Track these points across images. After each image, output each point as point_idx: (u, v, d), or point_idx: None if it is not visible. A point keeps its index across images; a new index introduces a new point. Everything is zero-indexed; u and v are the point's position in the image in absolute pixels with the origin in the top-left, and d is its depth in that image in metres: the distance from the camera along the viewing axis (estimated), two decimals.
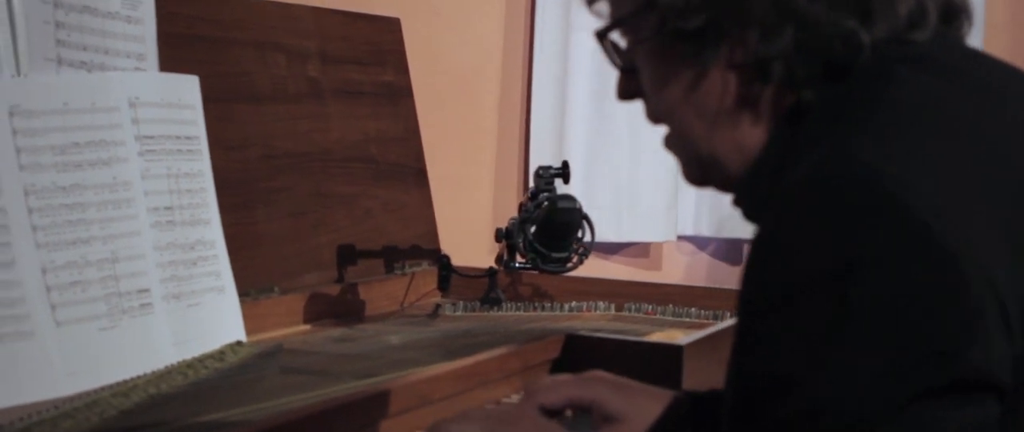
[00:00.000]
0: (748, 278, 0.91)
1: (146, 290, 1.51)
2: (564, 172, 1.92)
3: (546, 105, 2.82)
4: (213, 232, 1.63)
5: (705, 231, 3.13)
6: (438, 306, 1.99)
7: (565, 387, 1.24)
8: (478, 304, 1.99)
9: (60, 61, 1.49)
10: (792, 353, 0.87)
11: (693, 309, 1.98)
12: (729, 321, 1.86)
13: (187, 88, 1.64)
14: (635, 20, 1.02)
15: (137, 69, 1.58)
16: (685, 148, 1.06)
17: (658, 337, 1.78)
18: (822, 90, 0.96)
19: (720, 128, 1.01)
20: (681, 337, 1.69)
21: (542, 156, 2.76)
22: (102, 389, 1.40)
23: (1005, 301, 0.84)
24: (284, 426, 1.23)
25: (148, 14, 1.61)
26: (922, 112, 0.92)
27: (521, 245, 1.89)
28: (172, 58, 1.65)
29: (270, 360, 1.56)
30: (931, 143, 0.89)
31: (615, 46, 1.08)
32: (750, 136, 1.01)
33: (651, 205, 2.95)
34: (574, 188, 1.94)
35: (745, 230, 3.20)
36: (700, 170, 1.07)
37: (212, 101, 1.68)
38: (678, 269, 3.17)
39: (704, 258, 3.23)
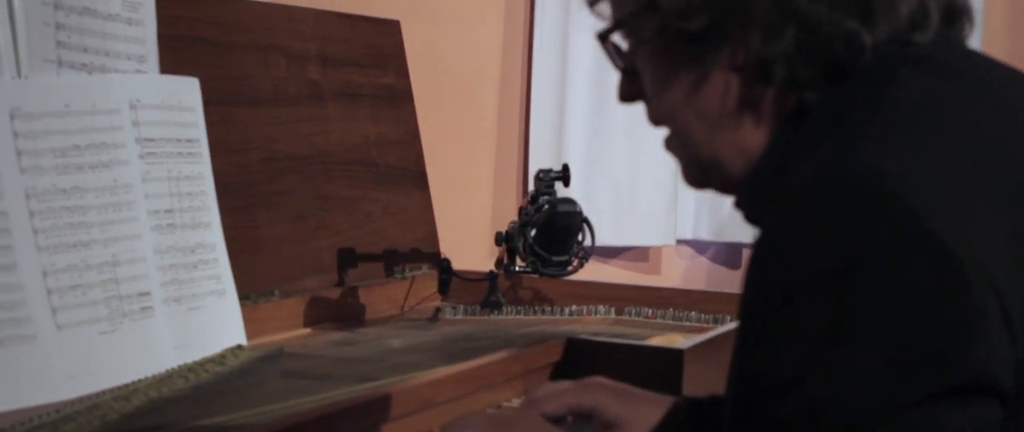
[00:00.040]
0: (750, 279, 0.91)
1: (147, 293, 1.51)
2: (564, 175, 1.92)
3: (545, 108, 2.82)
4: (214, 235, 1.63)
5: (704, 235, 3.13)
6: (438, 310, 1.99)
7: (566, 395, 1.24)
8: (478, 308, 1.98)
9: (61, 63, 1.49)
10: (792, 353, 0.87)
11: (693, 313, 1.98)
12: (729, 325, 1.86)
13: (188, 90, 1.64)
14: (637, 22, 1.02)
15: (138, 71, 1.58)
16: (686, 150, 1.06)
17: (658, 341, 1.78)
18: (824, 91, 0.96)
19: (721, 130, 1.01)
20: (682, 341, 1.69)
21: (541, 159, 2.77)
22: (103, 392, 1.40)
23: (1006, 303, 0.84)
24: (286, 430, 1.23)
25: (149, 16, 1.61)
26: (923, 113, 0.92)
27: (521, 249, 1.88)
28: (173, 60, 1.65)
29: (271, 364, 1.56)
30: (932, 144, 0.89)
31: (617, 48, 1.07)
32: (751, 138, 1.01)
33: (650, 209, 2.95)
34: (573, 191, 1.94)
35: (744, 234, 3.22)
36: (701, 172, 1.07)
37: (213, 104, 1.68)
38: (677, 273, 3.17)
39: (703, 262, 3.23)
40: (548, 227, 1.87)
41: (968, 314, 0.83)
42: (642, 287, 2.16)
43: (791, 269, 0.87)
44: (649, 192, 2.93)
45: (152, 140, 1.56)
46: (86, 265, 1.45)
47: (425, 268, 2.09)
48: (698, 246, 3.21)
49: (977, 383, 0.84)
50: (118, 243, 1.49)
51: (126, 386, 1.43)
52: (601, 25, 1.06)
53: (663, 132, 1.08)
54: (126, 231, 1.51)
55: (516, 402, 1.57)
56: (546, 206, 1.88)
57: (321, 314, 1.85)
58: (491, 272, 1.99)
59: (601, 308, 2.02)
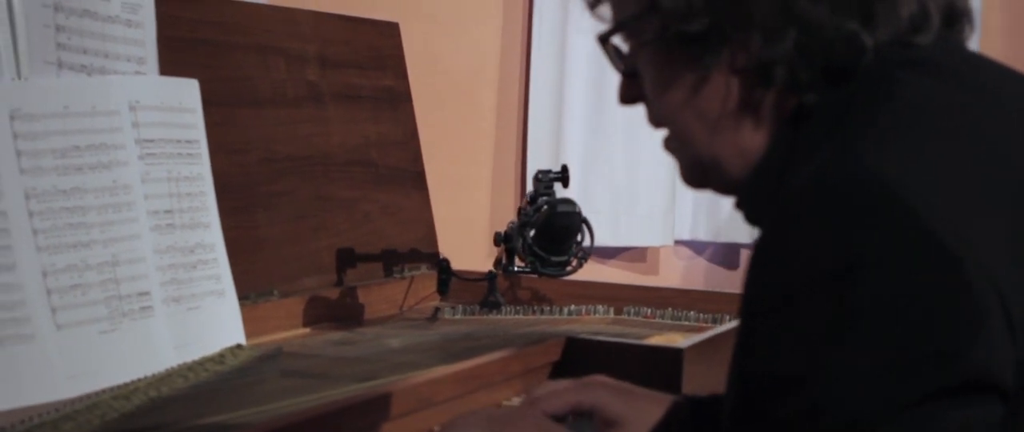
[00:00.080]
0: (750, 279, 0.91)
1: (146, 293, 1.52)
2: (563, 176, 1.92)
3: (543, 108, 2.82)
4: (213, 236, 1.63)
5: (702, 235, 3.14)
6: (437, 309, 1.99)
7: (567, 393, 1.25)
8: (477, 308, 1.99)
9: (60, 64, 1.49)
10: (793, 353, 0.87)
11: (692, 312, 1.98)
12: (728, 325, 1.86)
13: (187, 92, 1.64)
14: (637, 24, 1.02)
15: (137, 73, 1.58)
16: (686, 151, 1.06)
17: (658, 340, 1.78)
18: (824, 93, 0.96)
19: (722, 132, 1.01)
20: (681, 340, 1.70)
21: (539, 159, 2.77)
22: (102, 392, 1.40)
23: (1007, 302, 0.84)
24: (285, 429, 1.23)
25: (148, 18, 1.61)
26: (923, 115, 0.92)
27: (520, 249, 1.89)
28: (172, 62, 1.65)
29: (270, 363, 1.56)
30: (932, 145, 0.90)
31: (617, 50, 1.08)
32: (752, 140, 1.01)
33: (648, 209, 2.95)
34: (571, 192, 1.94)
35: (742, 235, 3.23)
36: (701, 173, 1.07)
37: (212, 105, 1.68)
38: (675, 273, 3.17)
39: (701, 262, 3.24)
40: (547, 227, 1.87)
41: (969, 313, 0.83)
42: (641, 287, 2.16)
43: (791, 269, 0.88)
44: (647, 193, 2.93)
45: (152, 141, 1.56)
46: (86, 265, 1.45)
47: (424, 268, 2.09)
48: (696, 246, 3.22)
49: (978, 382, 0.84)
50: (118, 243, 1.49)
51: (126, 385, 1.43)
52: (600, 27, 1.07)
53: (661, 133, 1.08)
54: (126, 231, 1.51)
55: (516, 401, 1.57)
56: (545, 206, 1.88)
57: (320, 314, 1.85)
58: (490, 272, 1.99)
59: (600, 308, 2.02)
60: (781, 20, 0.94)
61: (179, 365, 1.52)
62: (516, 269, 1.92)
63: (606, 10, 1.07)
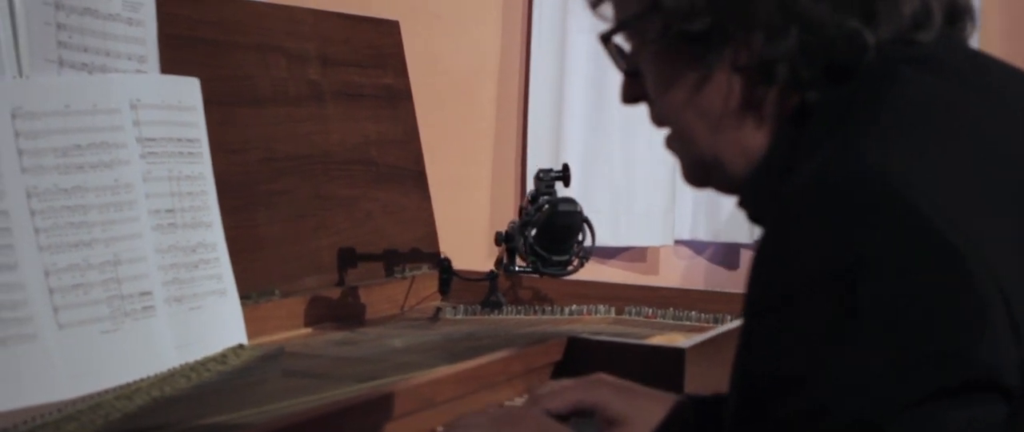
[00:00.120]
0: (753, 279, 0.91)
1: (148, 293, 1.51)
2: (564, 175, 1.92)
3: (543, 107, 2.82)
4: (214, 235, 1.63)
5: (702, 235, 3.14)
6: (439, 309, 1.99)
7: (569, 391, 1.25)
8: (479, 307, 1.98)
9: (61, 63, 1.49)
10: (795, 353, 0.87)
11: (693, 312, 1.98)
12: (730, 325, 1.86)
13: (188, 90, 1.64)
14: (639, 23, 1.02)
15: (138, 71, 1.58)
16: (688, 150, 1.06)
17: (659, 340, 1.78)
18: (826, 91, 0.96)
19: (724, 130, 1.01)
20: (682, 340, 1.70)
21: (539, 158, 2.77)
22: (105, 392, 1.40)
23: (1011, 302, 0.84)
24: (287, 429, 1.23)
25: (149, 16, 1.61)
26: (926, 113, 0.92)
27: (521, 248, 1.88)
28: (173, 60, 1.65)
29: (272, 363, 1.56)
30: (935, 143, 0.89)
31: (619, 49, 1.08)
32: (754, 138, 1.01)
33: (648, 209, 2.95)
34: (571, 191, 1.94)
35: (742, 235, 3.23)
36: (703, 172, 1.07)
37: (213, 104, 1.68)
38: (675, 273, 3.17)
39: (701, 262, 3.24)
40: (548, 227, 1.87)
41: (972, 312, 0.83)
42: (642, 287, 2.16)
43: (793, 268, 0.88)
44: (647, 192, 2.93)
45: (153, 140, 1.56)
46: (87, 264, 1.45)
47: (425, 268, 2.09)
48: (696, 246, 3.22)
49: (981, 382, 0.84)
50: (119, 242, 1.49)
51: (128, 385, 1.43)
52: (601, 25, 1.07)
53: (662, 132, 1.08)
54: (127, 231, 1.51)
55: (518, 401, 1.58)
56: (546, 206, 1.88)
57: (322, 314, 1.85)
58: (491, 272, 1.99)
59: (601, 308, 2.02)
60: (783, 18, 0.94)
61: (181, 365, 1.51)
62: (517, 269, 1.92)
63: (608, 9, 1.07)
